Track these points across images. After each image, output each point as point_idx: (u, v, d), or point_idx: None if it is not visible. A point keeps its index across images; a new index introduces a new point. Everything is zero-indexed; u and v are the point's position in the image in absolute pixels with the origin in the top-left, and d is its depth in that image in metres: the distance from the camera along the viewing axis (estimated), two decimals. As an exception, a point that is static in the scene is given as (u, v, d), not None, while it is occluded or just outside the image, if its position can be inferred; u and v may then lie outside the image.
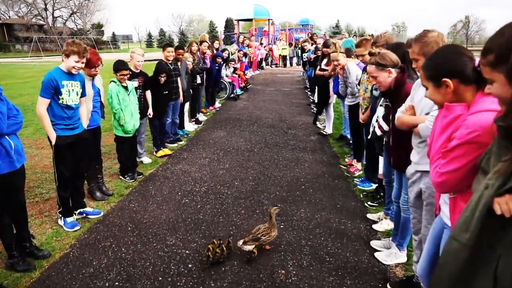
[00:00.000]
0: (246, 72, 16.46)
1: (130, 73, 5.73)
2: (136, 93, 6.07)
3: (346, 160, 6.52)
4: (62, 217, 4.27)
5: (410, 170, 2.86)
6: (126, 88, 5.54)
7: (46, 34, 59.62)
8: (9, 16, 62.72)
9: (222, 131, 8.72)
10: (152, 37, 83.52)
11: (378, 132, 3.72)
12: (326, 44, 8.03)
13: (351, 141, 6.85)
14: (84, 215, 4.50)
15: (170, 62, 7.16)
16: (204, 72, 9.47)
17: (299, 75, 19.88)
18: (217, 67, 10.55)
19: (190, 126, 8.88)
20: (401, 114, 2.94)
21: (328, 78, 7.84)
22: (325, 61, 7.98)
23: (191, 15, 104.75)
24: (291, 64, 26.79)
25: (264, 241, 3.66)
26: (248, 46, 17.38)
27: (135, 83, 6.06)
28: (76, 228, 4.20)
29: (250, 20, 30.87)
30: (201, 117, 9.83)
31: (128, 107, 5.55)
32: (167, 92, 6.95)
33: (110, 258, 3.64)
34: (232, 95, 12.90)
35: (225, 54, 11.44)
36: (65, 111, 3.99)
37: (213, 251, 3.50)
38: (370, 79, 4.95)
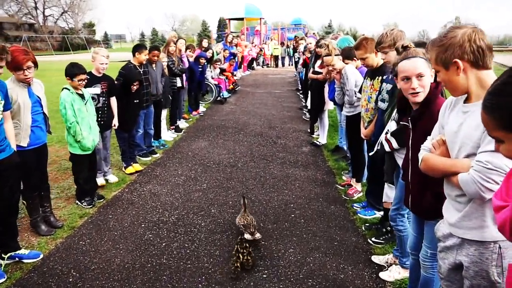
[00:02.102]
0: (235, 73, 15.54)
1: (89, 77, 4.81)
2: (99, 101, 5.17)
3: (344, 178, 5.63)
4: (-16, 266, 3.35)
5: (441, 229, 1.95)
6: (82, 96, 4.62)
7: (37, 33, 58.49)
8: (-1, 15, 61.55)
9: (204, 140, 7.80)
10: (145, 37, 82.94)
11: (387, 148, 2.90)
12: (318, 44, 7.15)
13: (348, 155, 5.99)
14: (17, 259, 3.56)
15: (140, 65, 6.21)
16: (185, 74, 8.55)
17: (292, 75, 19.01)
18: (200, 69, 9.63)
19: (168, 135, 7.94)
20: (428, 154, 1.97)
21: (322, 82, 6.95)
22: (318, 62, 7.08)
23: (184, 15, 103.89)
24: (283, 65, 25.96)
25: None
26: (237, 45, 16.44)
27: (97, 90, 5.15)
28: (0, 281, 3.27)
29: (242, 19, 30.10)
30: (182, 124, 8.89)
31: (85, 119, 4.63)
32: (137, 100, 6.02)
33: (32, 332, 2.72)
34: (219, 98, 11.98)
35: (208, 54, 10.52)
36: (-18, 132, 3.07)
37: (242, 258, 3.39)
38: (375, 87, 4.06)
